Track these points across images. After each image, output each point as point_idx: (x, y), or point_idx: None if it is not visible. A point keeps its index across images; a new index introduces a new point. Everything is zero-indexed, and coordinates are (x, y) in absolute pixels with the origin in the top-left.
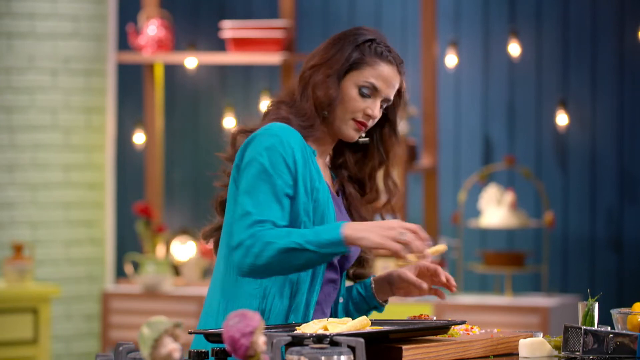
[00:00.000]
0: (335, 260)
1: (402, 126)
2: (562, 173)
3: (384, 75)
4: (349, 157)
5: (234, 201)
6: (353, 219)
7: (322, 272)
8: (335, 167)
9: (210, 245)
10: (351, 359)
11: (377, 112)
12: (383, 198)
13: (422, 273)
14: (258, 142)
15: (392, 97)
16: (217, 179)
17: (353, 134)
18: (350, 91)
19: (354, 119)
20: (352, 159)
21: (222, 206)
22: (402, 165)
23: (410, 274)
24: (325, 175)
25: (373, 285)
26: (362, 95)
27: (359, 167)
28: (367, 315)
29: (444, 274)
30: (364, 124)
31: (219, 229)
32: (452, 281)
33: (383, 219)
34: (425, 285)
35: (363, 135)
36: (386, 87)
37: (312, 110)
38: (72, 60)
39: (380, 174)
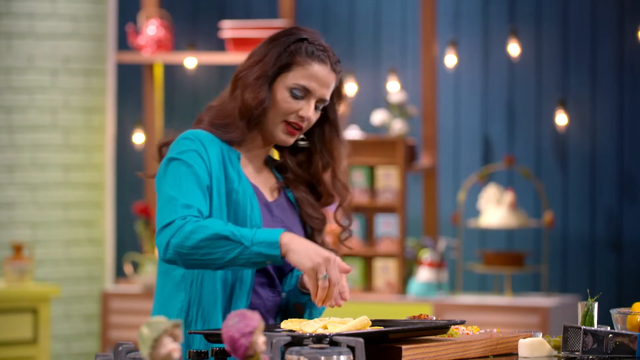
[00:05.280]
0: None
1: (345, 125)
2: (561, 173)
3: (316, 75)
4: (290, 160)
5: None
6: (305, 224)
7: (252, 278)
8: (279, 170)
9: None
10: (351, 359)
11: (311, 114)
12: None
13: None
14: (173, 146)
15: (327, 97)
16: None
17: (285, 137)
18: (281, 93)
19: (286, 122)
20: (294, 161)
21: None
22: (402, 165)
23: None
24: (258, 177)
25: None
26: (294, 97)
27: (304, 170)
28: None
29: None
30: (297, 126)
31: None
32: (346, 294)
33: (338, 223)
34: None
35: (303, 137)
36: (319, 87)
37: (235, 110)
38: (72, 60)
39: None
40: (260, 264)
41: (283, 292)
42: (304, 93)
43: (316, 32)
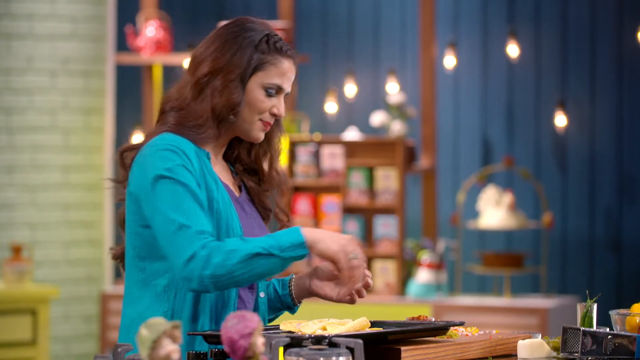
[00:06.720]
0: None
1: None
2: (561, 174)
3: (286, 72)
4: (242, 150)
5: (135, 221)
6: (259, 213)
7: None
8: (231, 161)
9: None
10: None
11: (283, 110)
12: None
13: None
14: (153, 158)
15: (290, 89)
16: (117, 194)
17: (260, 135)
18: (256, 93)
19: (261, 120)
20: (244, 150)
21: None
22: (401, 166)
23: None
24: (224, 174)
25: (292, 284)
26: (269, 95)
27: (249, 158)
28: (277, 315)
29: (364, 278)
30: (270, 123)
31: None
32: (369, 280)
33: (279, 219)
34: (341, 290)
35: None
36: (288, 82)
37: (207, 112)
38: (71, 61)
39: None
40: (287, 267)
41: (261, 290)
42: (277, 90)
43: (268, 23)
